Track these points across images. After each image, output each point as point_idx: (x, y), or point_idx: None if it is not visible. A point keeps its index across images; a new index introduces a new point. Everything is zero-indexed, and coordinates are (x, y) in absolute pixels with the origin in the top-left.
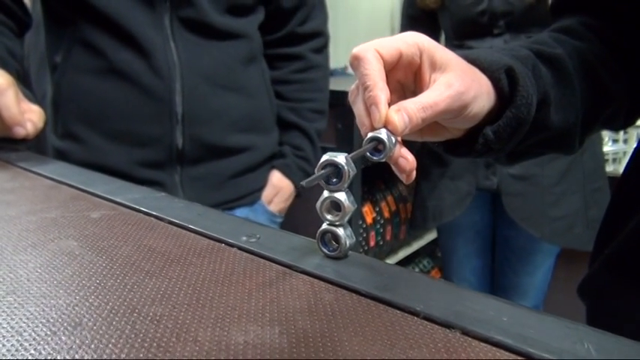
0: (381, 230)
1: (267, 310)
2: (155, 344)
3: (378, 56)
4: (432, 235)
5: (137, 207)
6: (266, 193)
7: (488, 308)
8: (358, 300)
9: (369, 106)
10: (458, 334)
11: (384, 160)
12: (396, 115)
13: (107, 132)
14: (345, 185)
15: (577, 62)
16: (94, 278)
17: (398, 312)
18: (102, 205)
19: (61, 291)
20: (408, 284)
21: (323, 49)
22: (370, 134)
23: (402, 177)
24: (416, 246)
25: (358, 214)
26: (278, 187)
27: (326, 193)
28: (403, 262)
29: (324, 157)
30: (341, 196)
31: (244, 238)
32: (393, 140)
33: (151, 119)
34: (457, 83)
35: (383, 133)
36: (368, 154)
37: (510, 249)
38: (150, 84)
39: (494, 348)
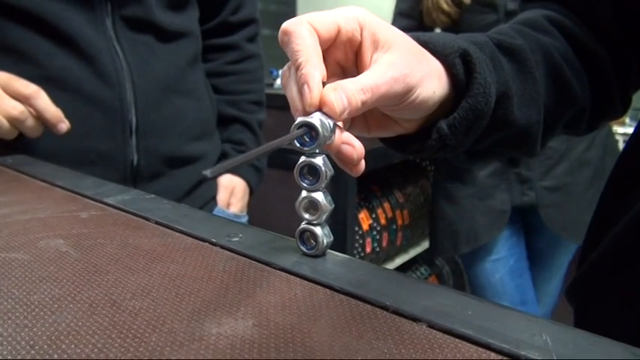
0: (378, 237)
1: (242, 305)
2: (131, 335)
3: (312, 30)
4: (427, 243)
5: (126, 208)
6: (220, 197)
7: (454, 303)
8: (331, 295)
9: (301, 86)
10: (424, 326)
11: (318, 150)
12: (333, 94)
13: (47, 150)
14: (323, 185)
15: (540, 56)
16: (77, 274)
17: (368, 306)
18: (92, 206)
19: (44, 286)
20: (381, 281)
21: (256, 36)
22: (299, 119)
23: (349, 168)
24: (413, 253)
25: (354, 221)
26: (230, 188)
27: (304, 193)
28: (400, 269)
29: (302, 159)
30: (318, 196)
31: (227, 238)
32: (330, 124)
33: (100, 133)
34: (401, 64)
35: (315, 117)
36: (297, 144)
37: (529, 254)
38: (96, 93)
39: (456, 339)
